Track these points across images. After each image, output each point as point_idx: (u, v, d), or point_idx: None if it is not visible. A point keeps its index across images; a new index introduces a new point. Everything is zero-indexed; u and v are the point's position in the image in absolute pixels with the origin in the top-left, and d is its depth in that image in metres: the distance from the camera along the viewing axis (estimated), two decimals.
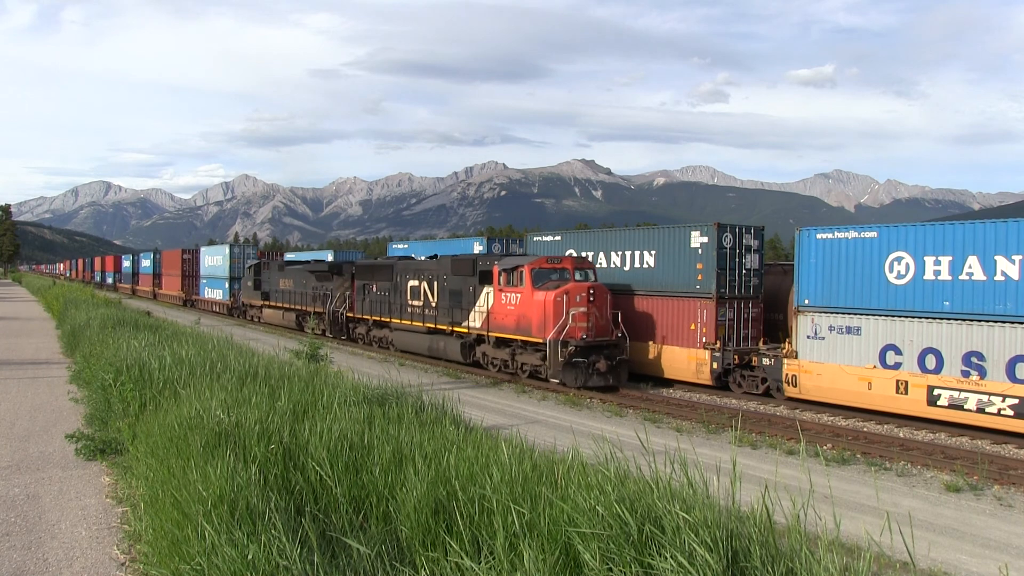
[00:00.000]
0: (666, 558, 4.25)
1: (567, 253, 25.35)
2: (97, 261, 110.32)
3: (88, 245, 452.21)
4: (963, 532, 9.11)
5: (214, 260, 50.30)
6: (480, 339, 22.09)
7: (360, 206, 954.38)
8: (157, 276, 65.91)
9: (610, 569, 4.42)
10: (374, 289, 28.07)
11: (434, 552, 5.17)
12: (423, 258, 28.41)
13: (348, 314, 30.41)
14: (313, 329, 31.90)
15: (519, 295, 20.01)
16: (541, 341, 19.23)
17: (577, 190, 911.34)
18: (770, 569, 4.18)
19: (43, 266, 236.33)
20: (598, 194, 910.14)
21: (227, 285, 46.97)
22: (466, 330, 22.37)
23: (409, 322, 25.41)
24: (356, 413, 8.37)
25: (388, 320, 26.98)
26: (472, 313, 22.09)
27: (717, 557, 4.20)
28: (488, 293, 21.29)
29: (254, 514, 5.45)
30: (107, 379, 12.23)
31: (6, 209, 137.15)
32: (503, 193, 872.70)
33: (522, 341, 20.17)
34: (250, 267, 41.97)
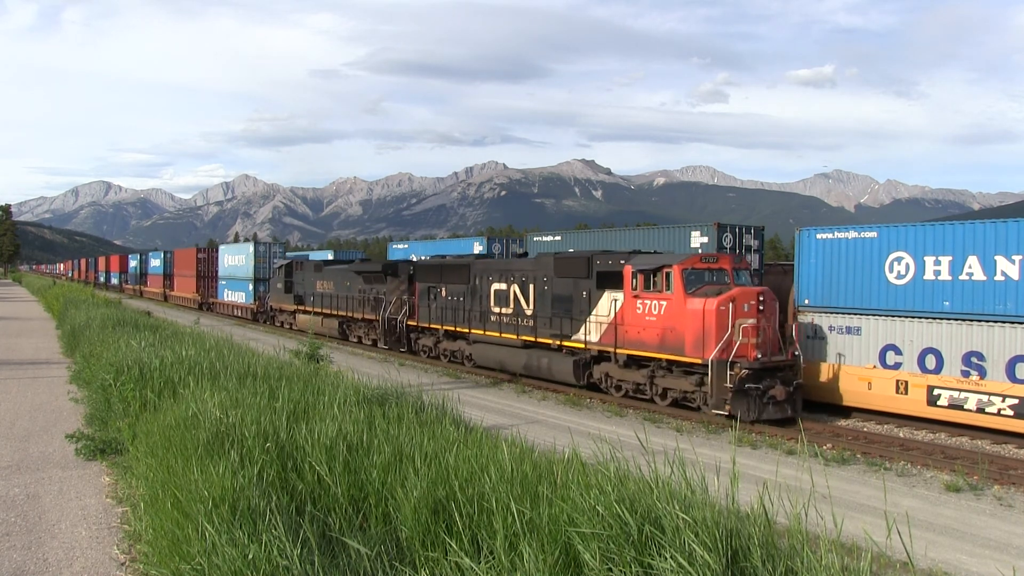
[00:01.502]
0: (666, 558, 4.25)
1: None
2: (101, 261, 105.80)
3: (88, 245, 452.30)
4: (963, 532, 9.11)
5: (235, 259, 45.60)
6: (601, 356, 18.04)
7: (360, 206, 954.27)
8: (168, 277, 61.82)
9: (610, 569, 4.42)
10: (443, 294, 23.83)
11: (434, 552, 5.17)
12: (513, 256, 25.06)
13: (409, 322, 25.83)
14: (361, 339, 29.44)
15: (664, 303, 16.02)
16: (698, 362, 15.31)
17: (577, 190, 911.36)
18: (770, 569, 4.18)
19: (43, 266, 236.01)
20: (598, 194, 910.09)
21: (251, 287, 42.27)
22: (580, 344, 18.32)
23: (495, 333, 21.36)
24: (356, 413, 8.37)
25: (464, 331, 22.74)
26: (588, 324, 18.09)
27: (717, 557, 4.21)
28: (613, 299, 17.36)
29: (255, 514, 5.45)
30: (107, 379, 12.23)
31: (6, 209, 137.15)
32: (503, 193, 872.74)
33: (667, 361, 16.19)
34: (280, 267, 37.53)
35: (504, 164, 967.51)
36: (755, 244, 21.19)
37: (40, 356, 23.12)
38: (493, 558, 4.70)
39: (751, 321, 15.14)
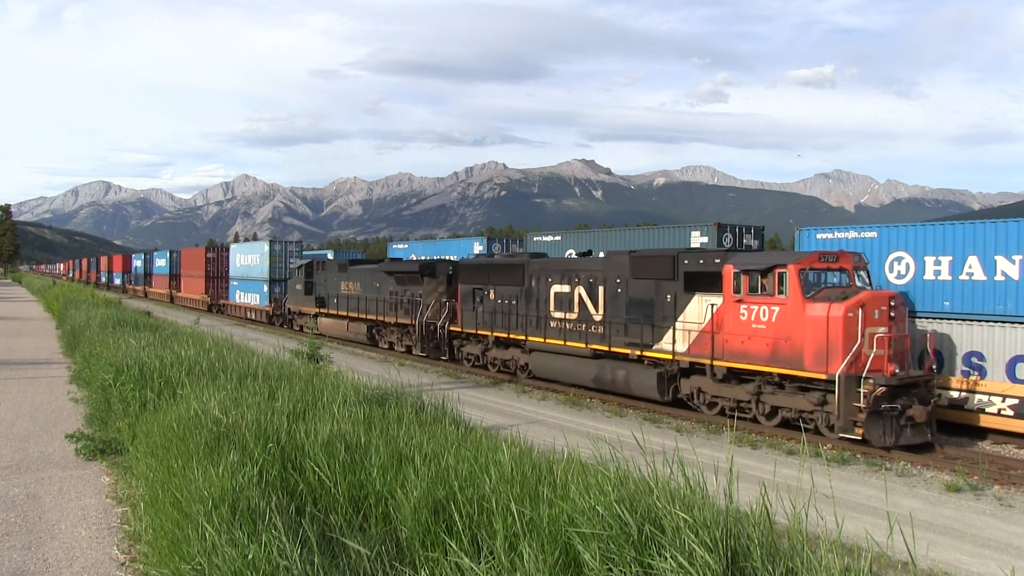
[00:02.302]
0: (666, 558, 4.25)
1: (567, 253, 25.34)
2: (103, 261, 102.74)
3: (88, 245, 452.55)
4: (963, 532, 9.11)
5: (248, 259, 42.80)
6: (692, 369, 15.82)
7: (360, 206, 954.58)
8: (175, 277, 59.56)
9: (610, 569, 4.42)
10: (491, 296, 21.47)
11: (434, 552, 5.17)
12: (571, 254, 22.49)
13: (451, 328, 23.41)
14: (393, 345, 27.00)
15: (776, 308, 13.94)
16: (821, 377, 13.22)
17: (577, 190, 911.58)
18: (770, 569, 4.18)
19: (43, 266, 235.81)
20: (598, 194, 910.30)
21: (266, 288, 39.42)
22: (666, 355, 16.03)
23: (558, 341, 18.97)
24: (356, 413, 8.37)
25: (519, 338, 20.41)
26: (674, 332, 15.88)
27: (717, 557, 4.20)
28: (708, 304, 15.30)
29: (255, 514, 5.45)
30: (107, 379, 12.23)
31: (6, 209, 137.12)
32: (503, 193, 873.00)
33: (779, 375, 14.08)
34: (299, 267, 34.94)
35: (504, 164, 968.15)
36: (755, 244, 21.19)
37: (40, 356, 23.12)
38: (493, 558, 4.70)
39: (883, 330, 13.09)
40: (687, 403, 16.14)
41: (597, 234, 25.31)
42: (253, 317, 41.38)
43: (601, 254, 20.16)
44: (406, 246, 41.74)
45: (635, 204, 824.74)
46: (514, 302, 20.67)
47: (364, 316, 28.28)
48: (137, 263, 75.91)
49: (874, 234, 16.30)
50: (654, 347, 16.42)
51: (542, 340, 19.56)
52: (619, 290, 17.44)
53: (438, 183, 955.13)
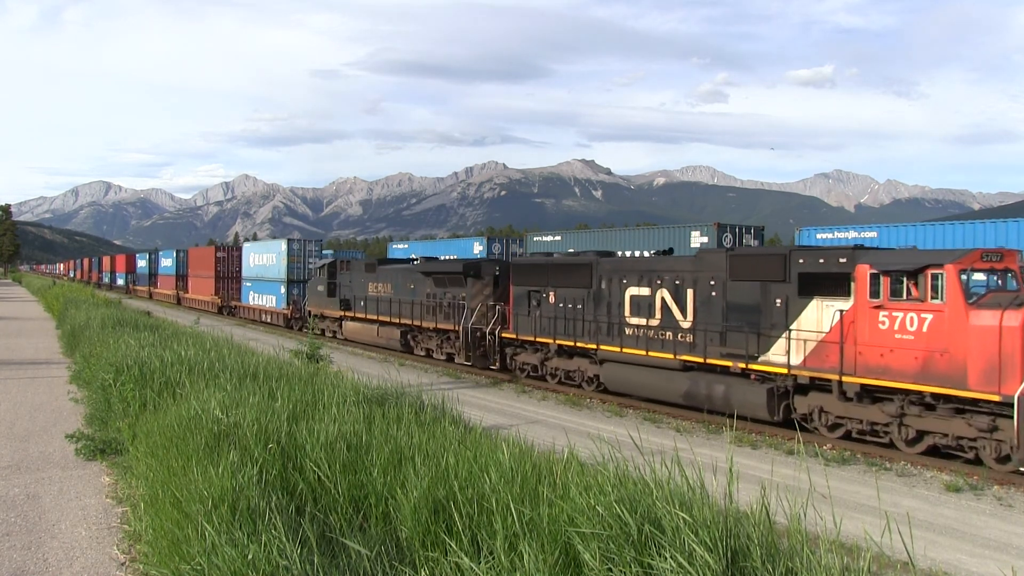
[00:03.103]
0: (666, 558, 4.25)
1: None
2: (106, 261, 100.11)
3: (88, 245, 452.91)
4: (963, 532, 9.11)
5: (264, 259, 40.70)
6: (811, 385, 13.74)
7: (360, 206, 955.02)
8: (181, 278, 57.38)
9: (610, 569, 4.42)
10: (551, 299, 19.33)
11: (434, 552, 5.17)
12: (648, 254, 19.83)
13: (503, 334, 21.10)
14: (431, 352, 24.60)
15: (929, 316, 12.05)
16: (993, 399, 11.22)
17: (577, 190, 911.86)
18: (770, 569, 4.18)
19: (43, 266, 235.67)
20: (598, 194, 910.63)
21: (283, 290, 37.21)
22: (776, 369, 14.00)
23: (638, 351, 16.70)
24: (355, 413, 8.37)
25: (588, 346, 18.11)
26: (785, 341, 13.95)
27: (717, 557, 4.21)
28: (830, 309, 13.36)
29: (255, 514, 5.46)
30: (107, 379, 12.24)
31: (6, 209, 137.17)
32: (503, 193, 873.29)
33: (932, 395, 12.12)
34: (321, 267, 32.81)
35: (504, 164, 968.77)
36: (755, 244, 21.19)
37: (40, 356, 23.12)
38: (493, 558, 4.70)
39: None
40: (801, 424, 13.80)
41: (597, 234, 25.34)
42: (269, 320, 39.04)
43: (692, 249, 18.47)
44: (406, 246, 41.79)
45: (635, 204, 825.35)
46: (579, 306, 18.44)
47: (398, 320, 25.99)
48: (141, 263, 74.08)
49: (874, 234, 16.33)
50: (760, 359, 14.43)
51: (618, 350, 17.20)
52: (713, 294, 15.38)
53: (438, 183, 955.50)
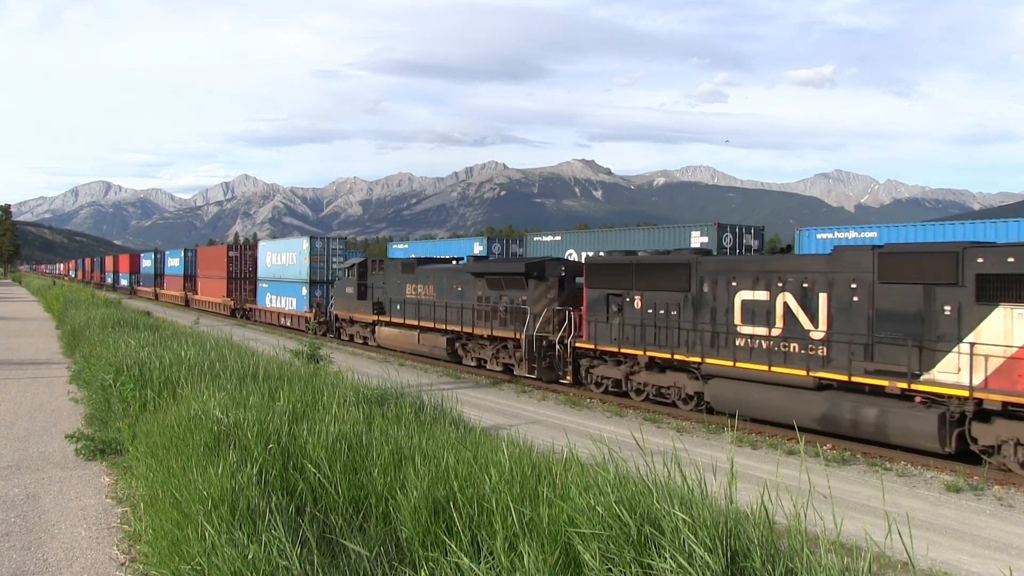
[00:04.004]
0: (665, 558, 4.25)
1: (567, 254, 25.35)
2: (108, 260, 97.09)
3: (88, 245, 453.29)
4: (963, 532, 9.11)
5: (282, 258, 38.37)
6: (1004, 411, 11.42)
7: (360, 206, 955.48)
8: (190, 278, 54.96)
9: (610, 570, 4.42)
10: (636, 304, 17.02)
11: (434, 552, 5.17)
12: (770, 252, 16.77)
13: (579, 344, 18.54)
14: (484, 362, 22.30)
15: None
16: None
17: (577, 190, 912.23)
18: (770, 569, 4.18)
19: (43, 266, 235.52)
20: (598, 194, 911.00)
21: (304, 292, 34.80)
22: (958, 391, 11.75)
23: (759, 365, 14.42)
24: (355, 413, 8.38)
25: (690, 359, 15.74)
26: (957, 356, 11.87)
27: (716, 557, 4.20)
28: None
29: (254, 514, 5.46)
30: (107, 379, 12.24)
31: (6, 209, 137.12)
32: (503, 193, 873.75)
33: None
34: (350, 267, 29.98)
35: (504, 164, 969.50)
36: (755, 244, 21.20)
37: (40, 356, 23.12)
38: (493, 558, 4.70)
39: None
40: (984, 458, 11.75)
41: (597, 234, 25.33)
42: (289, 324, 36.09)
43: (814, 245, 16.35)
44: (406, 246, 41.78)
45: (635, 204, 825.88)
46: (674, 312, 16.12)
47: (443, 327, 23.37)
48: (146, 263, 71.93)
49: (874, 234, 16.33)
50: (923, 377, 12.28)
51: (730, 364, 14.86)
52: (855, 299, 13.20)
53: (438, 183, 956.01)
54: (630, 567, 4.37)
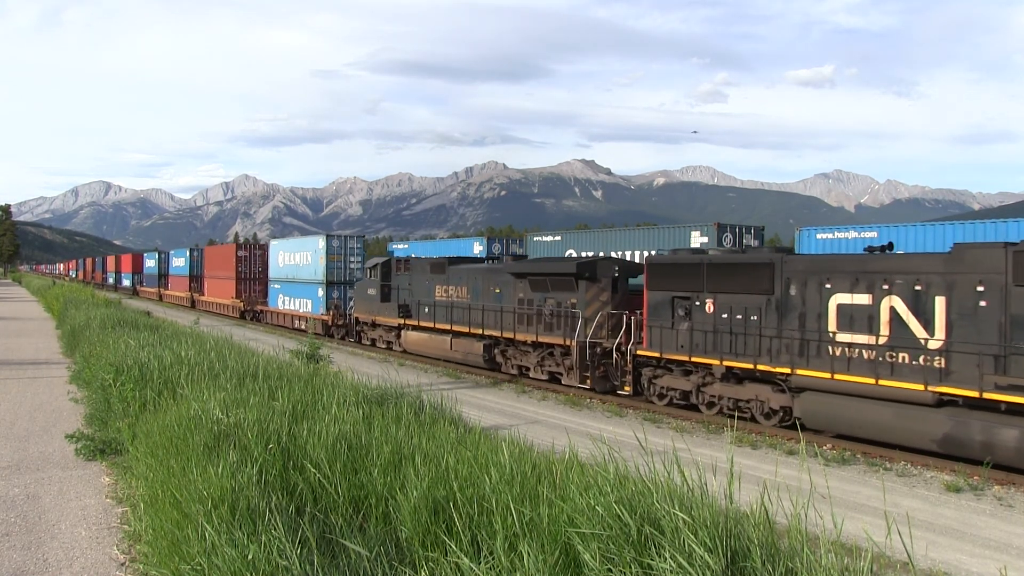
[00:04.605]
0: (665, 558, 4.25)
1: (567, 253, 25.33)
2: (111, 260, 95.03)
3: (88, 245, 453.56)
4: (963, 532, 9.11)
5: (296, 258, 36.68)
6: None
7: (360, 206, 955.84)
8: (195, 279, 53.41)
9: (610, 570, 4.42)
10: (708, 307, 15.47)
11: (434, 552, 5.17)
12: (868, 249, 14.32)
13: (641, 352, 16.83)
14: (527, 370, 20.56)
15: None
16: None
17: (577, 190, 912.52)
18: (770, 569, 4.18)
19: (43, 266, 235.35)
20: (598, 194, 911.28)
21: (321, 293, 33.19)
22: None
23: (866, 378, 12.85)
24: (355, 413, 8.38)
25: (777, 370, 14.23)
26: None
27: (716, 557, 4.21)
28: None
29: (254, 514, 5.46)
30: (107, 379, 12.24)
31: (6, 209, 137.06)
32: (503, 193, 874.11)
33: None
34: (373, 267, 28.25)
35: (504, 164, 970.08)
36: (755, 244, 21.18)
37: (40, 356, 23.12)
38: (493, 558, 4.70)
39: None
40: None
41: (597, 234, 25.31)
42: (304, 327, 33.31)
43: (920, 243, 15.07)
44: (406, 246, 41.73)
45: (635, 204, 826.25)
46: (754, 317, 14.61)
47: (480, 331, 21.77)
48: (150, 263, 70.23)
49: (874, 234, 16.32)
50: None
51: (827, 375, 13.39)
52: (983, 303, 11.73)
53: (438, 183, 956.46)
54: (630, 567, 4.37)
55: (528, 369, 20.63)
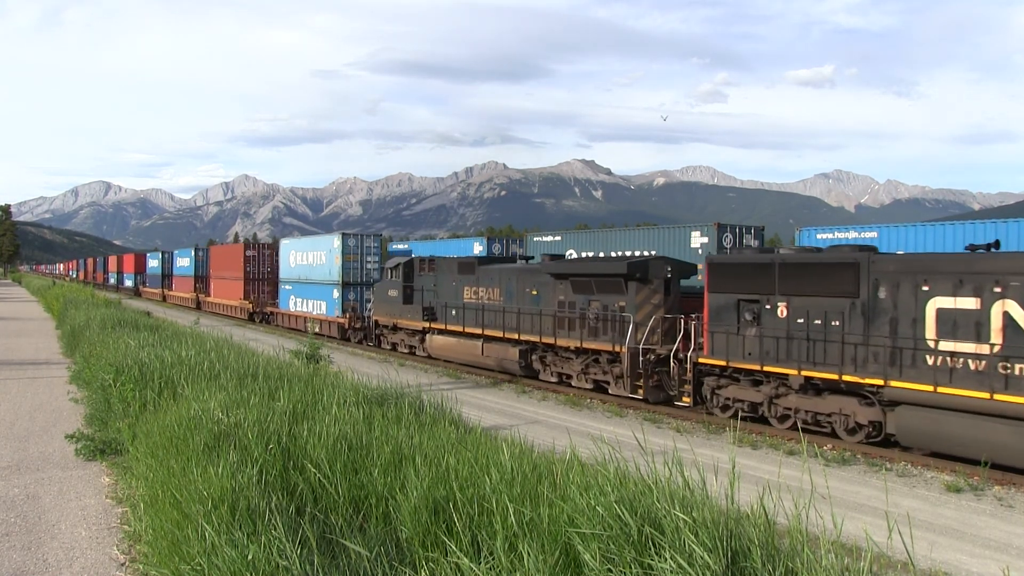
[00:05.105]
0: (665, 559, 4.25)
1: (567, 253, 25.32)
2: (112, 260, 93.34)
3: (88, 245, 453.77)
4: (963, 532, 9.11)
5: (309, 257, 35.12)
6: None
7: (360, 206, 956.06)
8: (201, 279, 52.02)
9: (610, 570, 4.42)
10: (781, 312, 14.12)
11: (433, 552, 5.17)
12: (969, 248, 12.95)
13: (703, 360, 15.45)
14: (569, 378, 19.26)
15: None
16: None
17: (577, 190, 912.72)
18: (770, 569, 4.18)
19: (43, 266, 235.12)
20: (598, 194, 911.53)
21: (336, 294, 31.56)
22: None
23: (974, 392, 11.55)
24: (355, 413, 8.38)
25: (868, 382, 12.88)
26: None
27: (717, 557, 4.20)
28: None
29: (254, 514, 5.46)
30: (107, 379, 12.24)
31: (6, 209, 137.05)
32: (503, 193, 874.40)
33: None
34: (394, 267, 26.76)
35: (504, 164, 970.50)
36: (755, 244, 21.18)
37: (40, 356, 23.12)
38: (493, 559, 4.70)
39: None
40: None
41: (597, 234, 25.30)
42: (318, 330, 31.82)
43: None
44: (406, 246, 41.70)
45: (635, 204, 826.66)
46: (836, 322, 13.32)
47: (515, 336, 20.40)
48: (153, 263, 68.48)
49: (874, 234, 16.31)
50: None
51: (928, 388, 11.99)
52: None
53: (438, 183, 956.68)
54: (630, 567, 4.37)
55: (570, 377, 19.36)
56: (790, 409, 14.23)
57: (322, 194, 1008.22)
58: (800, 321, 13.75)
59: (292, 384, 10.29)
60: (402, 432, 7.59)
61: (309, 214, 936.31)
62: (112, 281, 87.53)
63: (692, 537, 4.33)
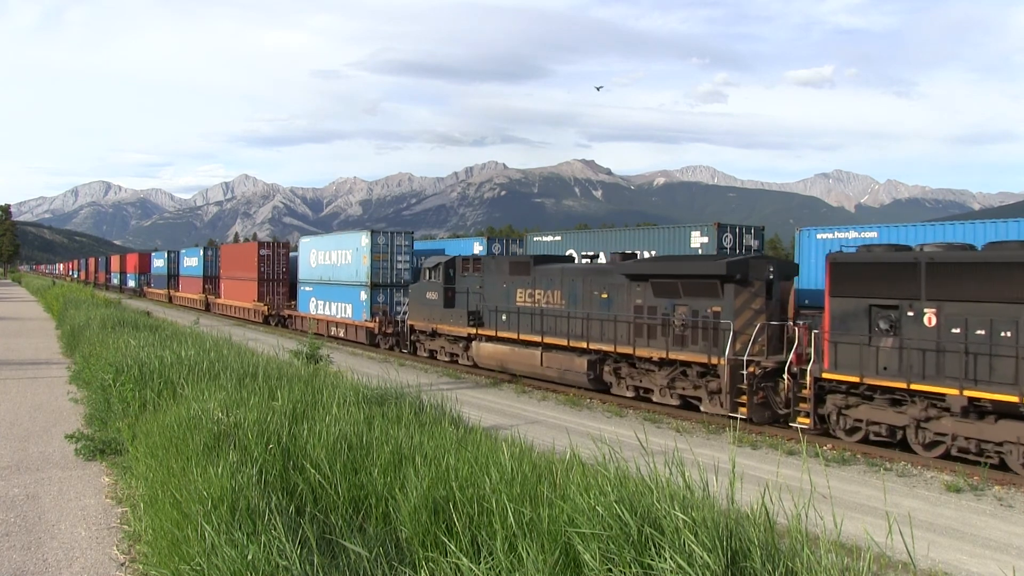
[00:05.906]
0: (665, 559, 4.25)
1: (567, 254, 25.33)
2: (115, 260, 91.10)
3: (88, 245, 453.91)
4: (963, 532, 9.11)
5: (333, 256, 32.66)
6: None
7: (360, 206, 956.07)
8: (210, 279, 49.94)
9: (610, 570, 4.42)
10: (929, 320, 12.14)
11: (433, 552, 5.17)
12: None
13: (828, 375, 13.25)
14: (647, 392, 17.16)
15: None
16: None
17: (577, 190, 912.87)
18: (770, 569, 4.17)
19: (43, 266, 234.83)
20: (598, 194, 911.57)
21: (364, 297, 29.19)
22: None
23: None
24: (355, 414, 8.37)
25: None
26: None
27: (717, 558, 4.20)
28: None
29: (254, 514, 5.45)
30: (107, 379, 12.24)
31: (6, 209, 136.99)
32: (503, 193, 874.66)
33: None
34: (434, 267, 24.29)
35: (504, 164, 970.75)
36: (755, 244, 21.17)
37: (40, 356, 23.11)
38: (493, 559, 4.70)
39: None
40: None
41: (597, 234, 25.30)
42: (344, 335, 30.51)
43: None
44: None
45: (635, 204, 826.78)
46: (1007, 333, 11.16)
47: (583, 344, 18.15)
48: (158, 263, 66.60)
49: (874, 234, 16.31)
50: None
51: None
52: None
53: (438, 183, 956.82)
54: (630, 567, 4.37)
55: (649, 392, 17.15)
56: (944, 435, 12.09)
57: (322, 194, 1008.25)
58: (956, 331, 11.66)
59: (292, 384, 10.29)
60: (402, 432, 7.58)
61: (309, 214, 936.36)
62: (115, 282, 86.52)
63: (692, 537, 4.32)
